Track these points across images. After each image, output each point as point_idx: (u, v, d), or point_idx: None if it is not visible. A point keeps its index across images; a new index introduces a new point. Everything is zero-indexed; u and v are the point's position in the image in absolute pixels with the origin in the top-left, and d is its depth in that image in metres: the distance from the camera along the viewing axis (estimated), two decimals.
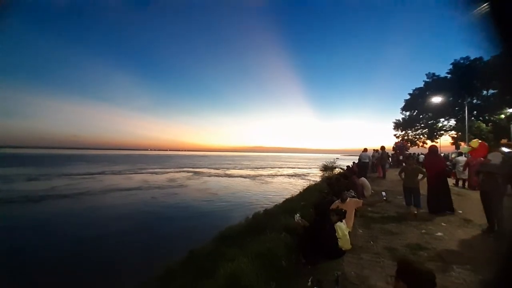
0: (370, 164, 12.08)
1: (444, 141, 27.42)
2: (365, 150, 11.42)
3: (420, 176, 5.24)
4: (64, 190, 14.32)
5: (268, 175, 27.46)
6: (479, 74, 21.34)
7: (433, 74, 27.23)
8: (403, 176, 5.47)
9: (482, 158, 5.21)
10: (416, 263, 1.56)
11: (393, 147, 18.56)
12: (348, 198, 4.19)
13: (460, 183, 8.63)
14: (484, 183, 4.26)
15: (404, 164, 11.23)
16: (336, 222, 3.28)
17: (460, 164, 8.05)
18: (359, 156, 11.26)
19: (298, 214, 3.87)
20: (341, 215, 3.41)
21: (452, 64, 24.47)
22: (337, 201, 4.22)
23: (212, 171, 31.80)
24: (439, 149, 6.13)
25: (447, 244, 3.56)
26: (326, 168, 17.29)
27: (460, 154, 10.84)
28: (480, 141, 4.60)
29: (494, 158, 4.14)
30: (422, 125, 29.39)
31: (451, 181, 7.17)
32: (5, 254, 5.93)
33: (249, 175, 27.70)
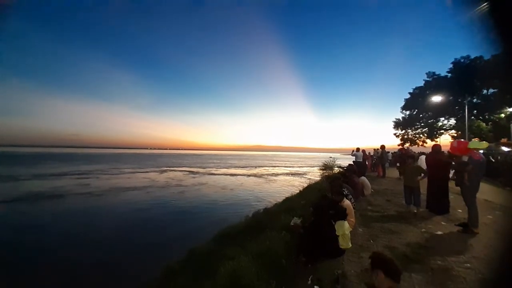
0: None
1: (444, 140, 27.50)
2: (358, 149, 11.36)
3: (420, 175, 5.25)
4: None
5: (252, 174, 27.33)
6: (479, 73, 21.36)
7: (434, 73, 27.31)
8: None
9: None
10: (385, 254, 1.71)
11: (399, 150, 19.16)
12: (345, 200, 4.14)
13: None
14: (457, 180, 4.56)
15: (398, 164, 11.26)
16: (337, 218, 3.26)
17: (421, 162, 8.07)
18: (354, 155, 11.20)
19: (295, 218, 3.90)
20: (339, 212, 3.37)
21: (452, 63, 24.55)
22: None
23: (195, 169, 31.82)
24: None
25: (446, 242, 3.58)
26: (326, 167, 17.27)
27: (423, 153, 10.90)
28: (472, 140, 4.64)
29: (464, 156, 4.27)
30: (422, 124, 29.46)
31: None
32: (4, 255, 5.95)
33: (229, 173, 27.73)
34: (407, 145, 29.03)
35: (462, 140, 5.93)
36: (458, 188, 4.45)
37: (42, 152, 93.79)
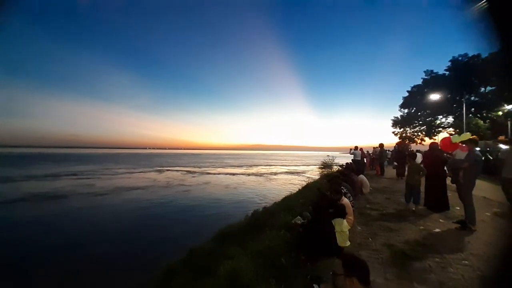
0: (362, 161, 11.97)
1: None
2: (356, 148, 11.36)
3: (420, 173, 5.30)
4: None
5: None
6: (477, 71, 21.42)
7: (431, 71, 27.35)
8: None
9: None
10: (357, 258, 1.54)
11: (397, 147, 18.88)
12: (344, 198, 4.14)
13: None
14: (453, 177, 4.59)
15: (396, 163, 11.23)
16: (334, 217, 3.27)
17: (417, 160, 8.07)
18: (353, 153, 11.19)
19: (299, 217, 3.92)
20: (338, 211, 3.38)
21: (450, 61, 24.59)
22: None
23: (193, 169, 31.91)
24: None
25: (444, 240, 3.59)
26: (325, 165, 17.31)
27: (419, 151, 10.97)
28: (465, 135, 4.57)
29: (459, 153, 4.27)
30: (421, 122, 29.53)
31: None
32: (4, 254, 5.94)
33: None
34: (406, 141, 29.12)
35: (446, 136, 5.96)
36: (455, 185, 4.48)
37: (40, 152, 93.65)
